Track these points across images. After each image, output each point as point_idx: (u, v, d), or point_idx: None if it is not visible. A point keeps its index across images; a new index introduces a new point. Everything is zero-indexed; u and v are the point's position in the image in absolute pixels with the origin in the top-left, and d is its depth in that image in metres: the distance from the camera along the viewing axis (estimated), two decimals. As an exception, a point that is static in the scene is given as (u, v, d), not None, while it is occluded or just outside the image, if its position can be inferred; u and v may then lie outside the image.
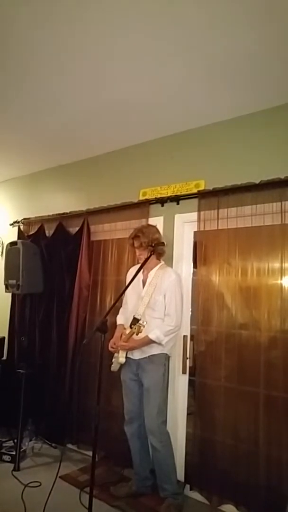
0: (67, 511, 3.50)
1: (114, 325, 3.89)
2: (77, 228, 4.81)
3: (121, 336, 3.60)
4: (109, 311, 3.24)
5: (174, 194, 4.06)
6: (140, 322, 3.26)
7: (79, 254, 4.65)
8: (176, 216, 4.12)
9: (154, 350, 3.56)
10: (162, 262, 3.70)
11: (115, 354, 3.63)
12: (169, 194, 4.08)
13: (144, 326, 3.22)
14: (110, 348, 3.63)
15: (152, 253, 3.53)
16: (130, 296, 3.73)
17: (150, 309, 3.50)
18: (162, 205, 4.17)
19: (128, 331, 3.47)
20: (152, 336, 3.44)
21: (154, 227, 3.70)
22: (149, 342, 3.48)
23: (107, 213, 4.61)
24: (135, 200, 4.38)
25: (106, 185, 4.70)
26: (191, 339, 3.94)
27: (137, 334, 3.30)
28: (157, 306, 3.51)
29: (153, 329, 3.45)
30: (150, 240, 3.51)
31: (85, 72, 3.32)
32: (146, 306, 3.48)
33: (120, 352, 3.57)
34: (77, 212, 4.86)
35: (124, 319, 3.76)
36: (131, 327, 3.46)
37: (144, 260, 3.47)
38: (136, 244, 3.54)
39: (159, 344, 3.48)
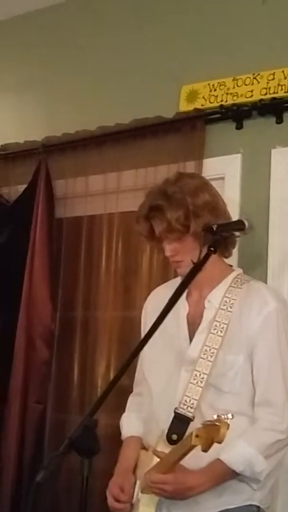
0: None
1: (114, 434, 2.50)
2: (21, 188, 3.44)
3: (134, 469, 2.27)
4: (103, 400, 1.90)
5: (269, 95, 2.77)
6: (222, 417, 1.91)
7: (26, 253, 3.30)
8: (276, 153, 2.76)
9: (231, 496, 2.19)
10: (238, 270, 2.37)
11: None
12: (256, 97, 2.81)
13: (228, 425, 1.90)
14: (113, 505, 2.22)
15: (214, 247, 2.06)
16: (155, 359, 2.33)
17: (213, 391, 2.18)
18: (239, 125, 2.85)
19: (161, 450, 2.15)
20: (235, 463, 2.11)
21: (197, 177, 2.43)
22: (225, 475, 2.12)
23: (97, 148, 3.19)
24: (170, 114, 3.01)
25: (93, 77, 3.37)
26: None
27: (205, 450, 1.93)
28: (231, 381, 2.20)
29: (232, 441, 2.08)
30: (194, 209, 2.21)
31: None
32: (205, 383, 2.20)
33: (143, 504, 2.19)
34: (20, 148, 3.49)
35: (142, 423, 2.33)
36: (169, 440, 2.14)
37: (194, 267, 2.07)
38: (159, 227, 2.24)
39: (250, 480, 2.16)
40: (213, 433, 1.93)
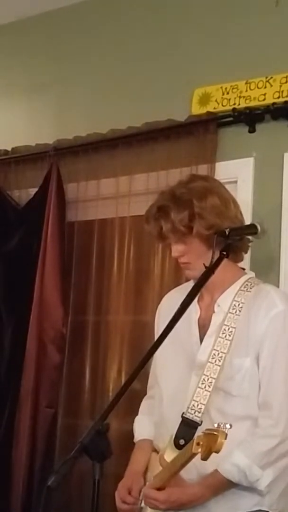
0: None
1: (126, 438, 2.54)
2: (32, 192, 3.43)
3: (144, 472, 2.29)
4: (115, 404, 1.94)
5: (282, 99, 2.77)
6: (220, 426, 1.88)
7: (38, 258, 3.30)
8: (289, 156, 2.95)
9: (240, 501, 2.19)
10: (250, 274, 2.36)
11: None
12: (269, 100, 2.81)
13: (225, 434, 1.85)
14: (120, 506, 2.27)
15: (226, 251, 2.10)
16: (167, 362, 2.33)
17: (222, 394, 2.17)
18: (252, 128, 2.84)
19: (167, 456, 2.14)
20: (229, 473, 2.11)
21: (210, 179, 2.40)
22: (223, 485, 2.13)
23: (110, 151, 3.18)
24: (182, 117, 3.02)
25: (105, 80, 3.38)
26: None
27: (204, 459, 1.90)
28: (239, 384, 2.18)
29: (231, 451, 2.07)
30: (200, 212, 2.18)
31: None
32: (213, 387, 2.17)
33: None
34: (32, 151, 3.49)
35: (154, 426, 2.34)
36: (177, 445, 2.13)
37: (206, 271, 2.09)
38: (164, 227, 2.23)
39: (252, 488, 2.16)
40: (212, 442, 1.92)
